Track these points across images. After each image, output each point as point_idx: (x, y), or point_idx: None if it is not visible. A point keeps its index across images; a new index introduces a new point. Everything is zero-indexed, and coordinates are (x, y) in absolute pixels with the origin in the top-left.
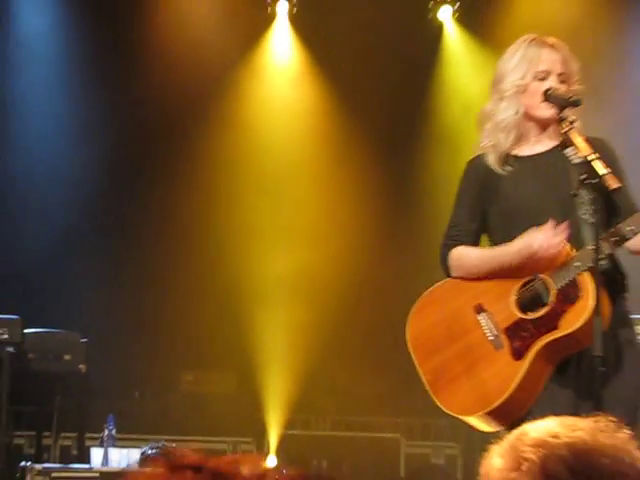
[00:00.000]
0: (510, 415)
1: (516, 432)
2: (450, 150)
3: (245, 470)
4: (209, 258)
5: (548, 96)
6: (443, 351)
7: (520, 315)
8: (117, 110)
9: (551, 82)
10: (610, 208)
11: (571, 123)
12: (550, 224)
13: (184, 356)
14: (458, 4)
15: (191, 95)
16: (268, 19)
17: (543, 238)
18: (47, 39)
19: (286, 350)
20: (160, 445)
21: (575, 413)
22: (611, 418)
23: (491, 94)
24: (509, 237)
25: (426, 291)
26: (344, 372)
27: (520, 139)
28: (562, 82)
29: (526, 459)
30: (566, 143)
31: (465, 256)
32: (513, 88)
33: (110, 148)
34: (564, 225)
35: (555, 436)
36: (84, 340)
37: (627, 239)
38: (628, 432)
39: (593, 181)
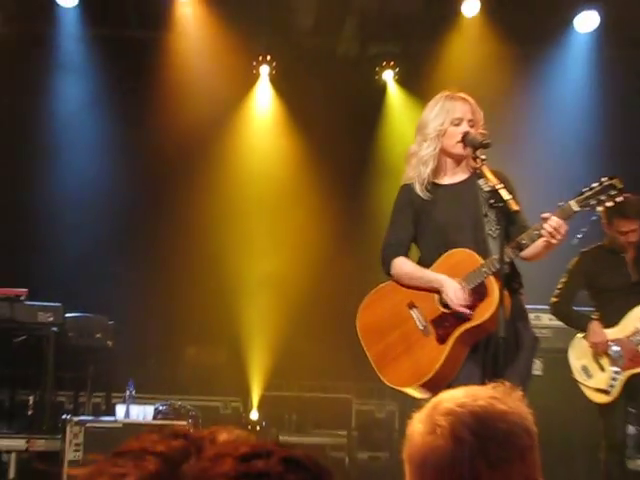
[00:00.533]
0: (437, 386)
1: (432, 402)
2: (392, 183)
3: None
4: (209, 260)
5: (466, 139)
6: (385, 338)
7: (443, 310)
8: (139, 145)
9: (464, 127)
10: (510, 225)
11: (482, 160)
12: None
13: (188, 335)
14: (398, 69)
15: (195, 137)
16: (254, 78)
17: (455, 296)
18: (87, 92)
19: (265, 330)
20: (169, 403)
21: (483, 384)
22: (507, 385)
23: (416, 137)
24: (432, 248)
25: (372, 291)
26: (309, 347)
27: (439, 171)
28: (471, 126)
29: (439, 425)
30: (479, 175)
31: (402, 269)
32: (435, 131)
33: (137, 172)
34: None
35: (462, 406)
36: (111, 322)
37: (522, 249)
38: (519, 395)
39: (500, 204)
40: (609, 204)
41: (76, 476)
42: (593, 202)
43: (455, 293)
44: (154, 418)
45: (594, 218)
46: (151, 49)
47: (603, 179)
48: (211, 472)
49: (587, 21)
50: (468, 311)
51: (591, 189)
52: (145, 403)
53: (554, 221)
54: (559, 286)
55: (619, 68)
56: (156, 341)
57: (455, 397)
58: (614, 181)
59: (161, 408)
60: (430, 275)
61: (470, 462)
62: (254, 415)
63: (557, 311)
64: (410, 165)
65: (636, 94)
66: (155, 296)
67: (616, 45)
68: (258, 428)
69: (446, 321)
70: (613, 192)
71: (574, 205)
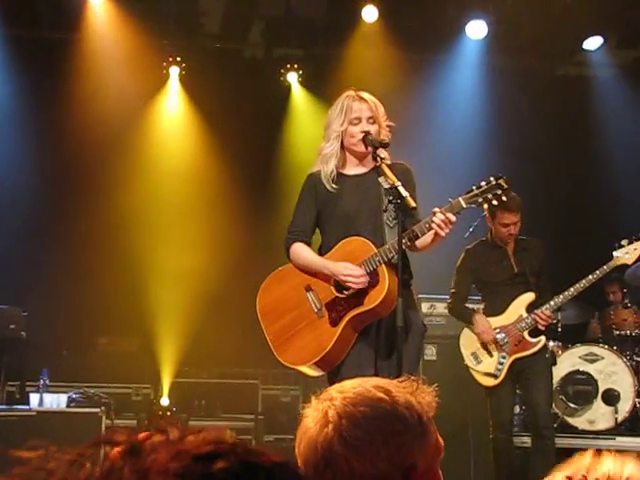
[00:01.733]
0: (329, 364)
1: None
2: (297, 178)
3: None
4: (122, 253)
5: (366, 140)
6: (282, 319)
7: (336, 294)
8: (54, 141)
9: (363, 125)
10: (407, 219)
11: (382, 159)
12: (362, 271)
13: (100, 325)
14: (301, 71)
15: (109, 135)
16: (164, 78)
17: (352, 278)
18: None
19: (175, 321)
20: (82, 391)
21: (375, 365)
22: (413, 379)
23: (324, 136)
24: (333, 236)
25: (271, 273)
26: (217, 336)
27: (344, 163)
28: (373, 123)
29: (317, 409)
30: (379, 173)
31: (299, 255)
32: (335, 132)
33: (52, 167)
34: (366, 278)
35: (341, 392)
36: (25, 313)
37: (413, 241)
38: (422, 389)
39: (398, 201)
40: (495, 203)
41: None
42: (480, 200)
43: (346, 272)
44: (68, 406)
45: (484, 214)
46: (64, 50)
47: (491, 179)
48: (158, 467)
49: (477, 29)
50: (364, 280)
51: (479, 187)
52: (59, 392)
53: (443, 215)
54: (452, 285)
55: (506, 74)
56: (69, 331)
57: (343, 385)
58: (501, 181)
59: (74, 396)
60: (322, 262)
61: (329, 441)
62: (165, 401)
63: (451, 310)
64: (318, 161)
65: (521, 98)
66: (68, 287)
67: (502, 53)
68: (169, 414)
69: (339, 305)
70: (499, 191)
71: (463, 202)
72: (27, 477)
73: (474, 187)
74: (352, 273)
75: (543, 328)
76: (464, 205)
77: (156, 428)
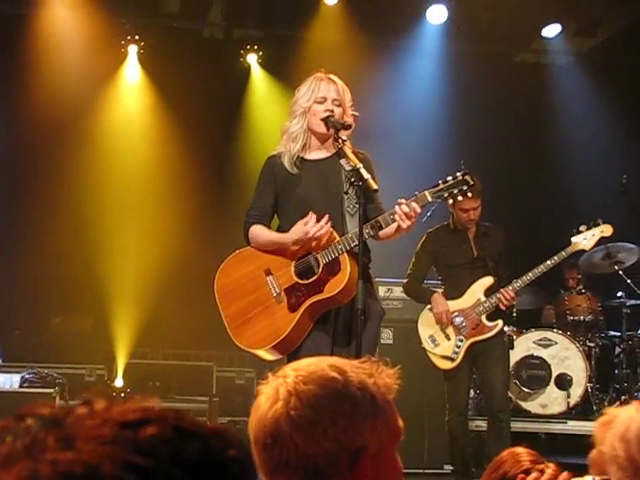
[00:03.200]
0: (286, 349)
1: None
2: (256, 158)
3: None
4: (76, 231)
5: (328, 121)
6: (239, 301)
7: (297, 280)
8: (6, 120)
9: (327, 105)
10: (368, 203)
11: (344, 141)
12: (324, 218)
13: (54, 304)
14: (261, 53)
15: (65, 112)
16: (122, 57)
17: (314, 228)
18: None
19: (130, 302)
20: (35, 371)
21: (332, 349)
22: (365, 358)
23: (289, 113)
24: (292, 220)
25: (231, 255)
26: (173, 318)
27: (306, 146)
28: (337, 105)
29: (270, 387)
30: (340, 155)
31: (259, 235)
32: (301, 109)
33: (5, 145)
34: (327, 217)
35: (295, 370)
36: None
37: (379, 230)
38: (369, 367)
39: (360, 183)
40: (460, 198)
41: None
42: (445, 194)
43: (302, 227)
44: (21, 386)
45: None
46: (20, 26)
47: (457, 174)
48: (85, 434)
49: (437, 14)
50: (324, 228)
51: (445, 182)
52: (12, 371)
53: (407, 206)
54: (410, 267)
55: (465, 59)
56: (22, 310)
57: (299, 363)
58: (467, 177)
59: (28, 376)
60: (283, 235)
61: (277, 419)
62: (119, 382)
63: (408, 291)
64: (282, 140)
65: (479, 83)
66: (21, 265)
67: (461, 38)
68: (122, 395)
69: (299, 291)
70: (465, 187)
71: (428, 195)
72: None
73: (440, 181)
74: (313, 226)
75: (504, 308)
76: (429, 199)
77: (81, 402)
